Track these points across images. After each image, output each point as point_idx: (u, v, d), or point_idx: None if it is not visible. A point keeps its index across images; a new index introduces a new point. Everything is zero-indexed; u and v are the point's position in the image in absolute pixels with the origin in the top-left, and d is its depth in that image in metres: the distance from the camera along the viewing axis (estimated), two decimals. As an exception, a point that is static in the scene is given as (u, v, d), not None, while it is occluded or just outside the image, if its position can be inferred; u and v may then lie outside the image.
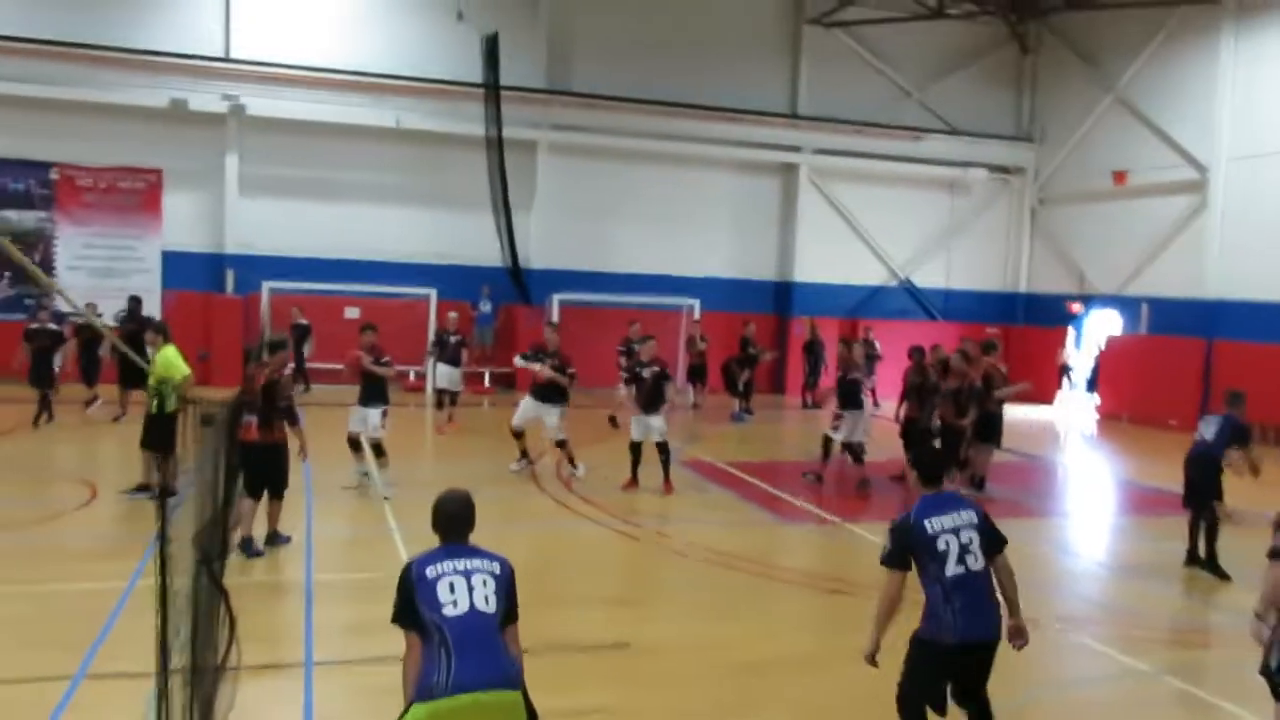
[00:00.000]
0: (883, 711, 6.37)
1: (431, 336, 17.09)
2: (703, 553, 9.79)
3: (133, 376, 14.17)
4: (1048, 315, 25.19)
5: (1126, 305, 23.21)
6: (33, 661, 6.35)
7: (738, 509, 12.11)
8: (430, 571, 4.18)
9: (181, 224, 20.93)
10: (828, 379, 20.18)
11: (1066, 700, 6.73)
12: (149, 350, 11.21)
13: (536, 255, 22.61)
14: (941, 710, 5.19)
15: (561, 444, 12.87)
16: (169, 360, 10.45)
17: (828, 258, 24.67)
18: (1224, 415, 9.67)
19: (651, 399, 12.60)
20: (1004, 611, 5.13)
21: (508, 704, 4.07)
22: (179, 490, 5.12)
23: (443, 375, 16.91)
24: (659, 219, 23.59)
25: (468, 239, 22.02)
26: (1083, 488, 15.75)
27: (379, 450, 11.61)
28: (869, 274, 25.52)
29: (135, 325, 14.96)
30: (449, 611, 4.06)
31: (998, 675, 7.22)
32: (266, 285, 20.38)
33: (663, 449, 12.54)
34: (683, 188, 23.82)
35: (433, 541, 4.47)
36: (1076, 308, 24.53)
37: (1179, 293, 21.54)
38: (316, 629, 7.26)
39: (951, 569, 4.96)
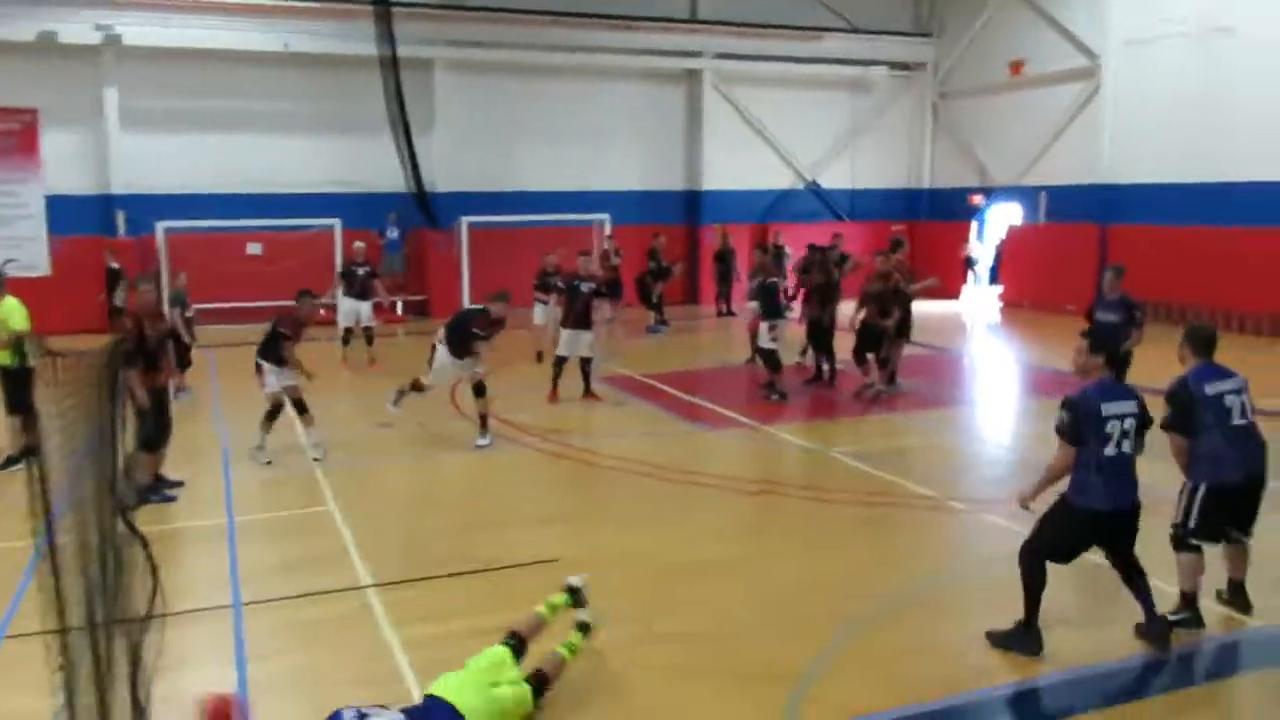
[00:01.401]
0: (796, 601, 6.66)
1: (339, 269, 16.46)
2: (627, 465, 9.93)
3: None
4: (951, 210, 25.68)
5: (1025, 195, 23.76)
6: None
7: (659, 419, 12.27)
8: None
9: (64, 166, 19.85)
10: (740, 286, 20.39)
11: (983, 578, 7.06)
12: None
13: (442, 178, 22.13)
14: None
15: (588, 362, 12.89)
16: (7, 312, 9.60)
17: (735, 164, 24.65)
18: (1119, 298, 9.97)
19: (585, 315, 12.68)
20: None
21: None
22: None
23: (351, 311, 15.97)
24: (565, 135, 23.22)
25: (370, 165, 21.39)
26: (988, 375, 16.31)
27: (302, 407, 10.48)
28: (776, 178, 25.61)
29: None
30: None
31: (920, 557, 7.57)
32: (161, 225, 19.57)
33: (586, 362, 12.81)
34: (587, 101, 23.44)
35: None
36: (978, 200, 25.05)
37: (1075, 179, 22.11)
38: (242, 570, 7.21)
39: (1110, 450, 5.51)
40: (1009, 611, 5.80)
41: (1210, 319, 19.21)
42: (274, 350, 10.28)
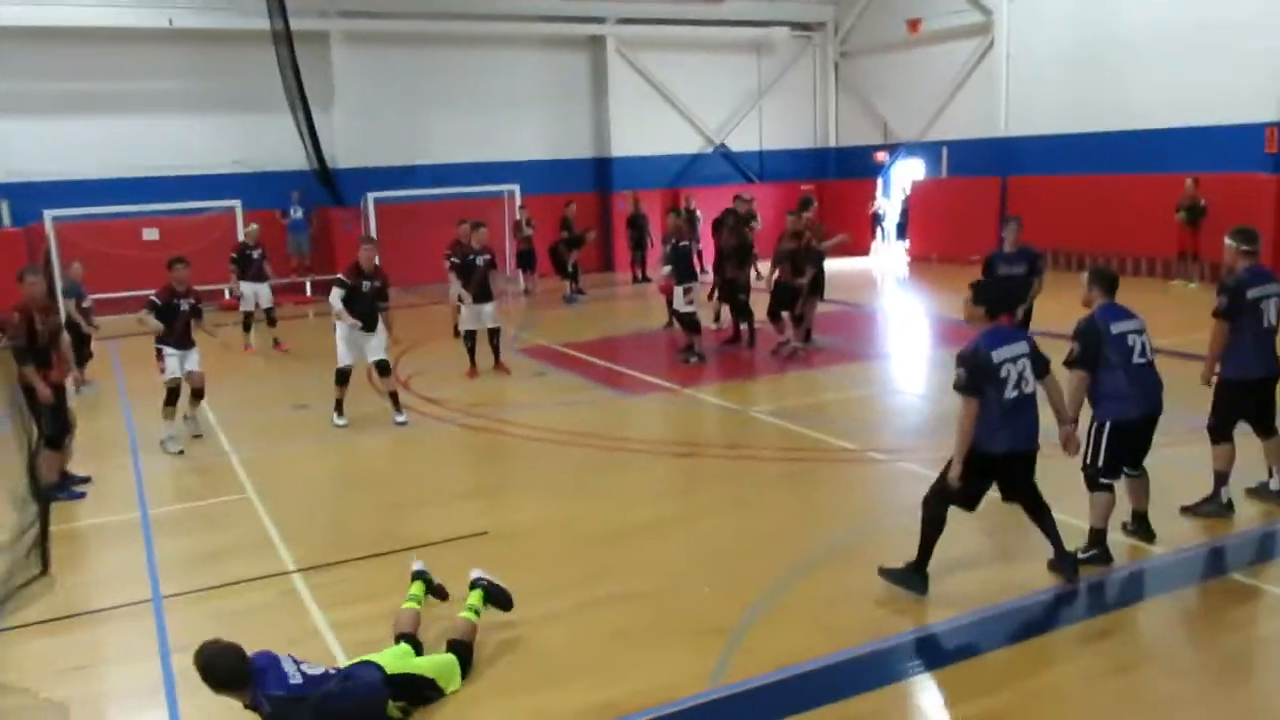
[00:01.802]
0: (727, 558, 6.76)
1: (233, 254, 15.64)
2: (550, 435, 9.91)
3: None
4: (857, 168, 26.06)
5: (928, 150, 24.23)
6: None
7: (580, 388, 12.25)
8: None
9: (-63, 154, 18.88)
10: (654, 251, 20.40)
11: (901, 525, 7.23)
12: None
13: (344, 154, 21.60)
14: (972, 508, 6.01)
15: (495, 333, 12.75)
16: None
17: (643, 130, 24.58)
18: (1020, 249, 10.18)
19: (484, 287, 12.55)
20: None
21: None
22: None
23: (250, 295, 15.34)
24: (470, 105, 22.84)
25: (269, 144, 20.76)
26: (900, 328, 16.67)
27: (199, 396, 10.40)
28: (685, 143, 25.62)
29: None
30: None
31: (843, 508, 7.73)
32: (49, 214, 18.72)
33: (495, 333, 12.74)
34: (491, 70, 23.07)
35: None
36: (882, 157, 25.46)
37: (974, 134, 22.61)
38: (160, 563, 7.02)
39: (1009, 393, 5.66)
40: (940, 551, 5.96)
41: (1107, 263, 19.90)
42: (171, 330, 9.97)
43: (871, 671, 5.25)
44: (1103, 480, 6.23)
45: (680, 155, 25.50)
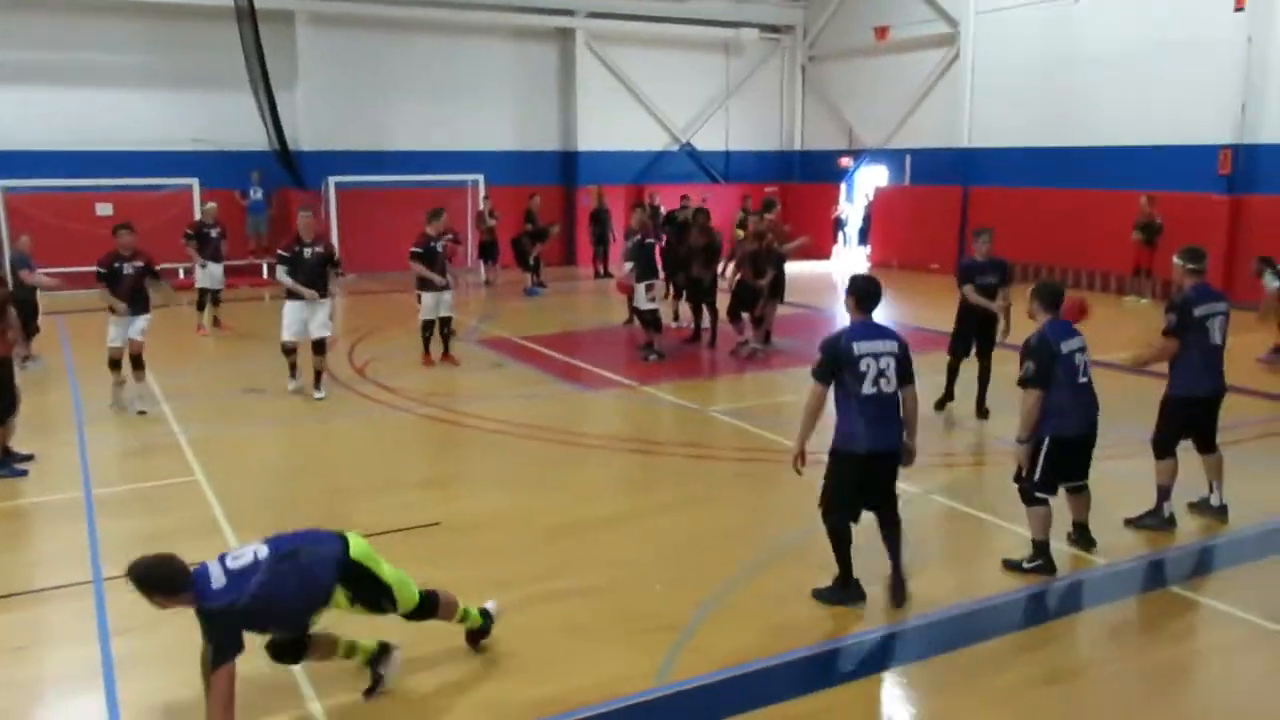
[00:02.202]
0: (680, 555, 6.79)
1: (189, 231, 15.39)
2: (507, 427, 9.87)
3: None
4: (821, 172, 26.25)
5: (892, 158, 24.47)
6: None
7: (538, 382, 12.22)
8: None
9: (-116, 119, 18.38)
10: (616, 246, 20.40)
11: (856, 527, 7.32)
12: None
13: (307, 136, 21.35)
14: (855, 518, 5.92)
15: (448, 321, 12.64)
16: None
17: (610, 125, 24.56)
18: (992, 259, 10.21)
19: (443, 273, 12.47)
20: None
21: None
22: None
23: (205, 275, 15.09)
24: (437, 93, 22.68)
25: (229, 123, 20.46)
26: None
27: (138, 364, 10.41)
28: (651, 140, 25.65)
29: None
30: None
31: (783, 509, 7.77)
32: (0, 184, 18.33)
33: (446, 322, 12.65)
34: (459, 58, 22.93)
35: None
36: (846, 162, 25.66)
37: (938, 143, 22.87)
38: (103, 544, 6.89)
39: (868, 388, 5.59)
40: (879, 553, 6.01)
41: (1062, 277, 20.26)
42: (116, 295, 10.14)
43: (816, 673, 5.30)
44: (1038, 495, 6.28)
45: (646, 152, 25.52)
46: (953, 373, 10.26)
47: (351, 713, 4.80)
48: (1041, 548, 6.30)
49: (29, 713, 4.86)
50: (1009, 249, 18.45)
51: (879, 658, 5.54)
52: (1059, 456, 6.24)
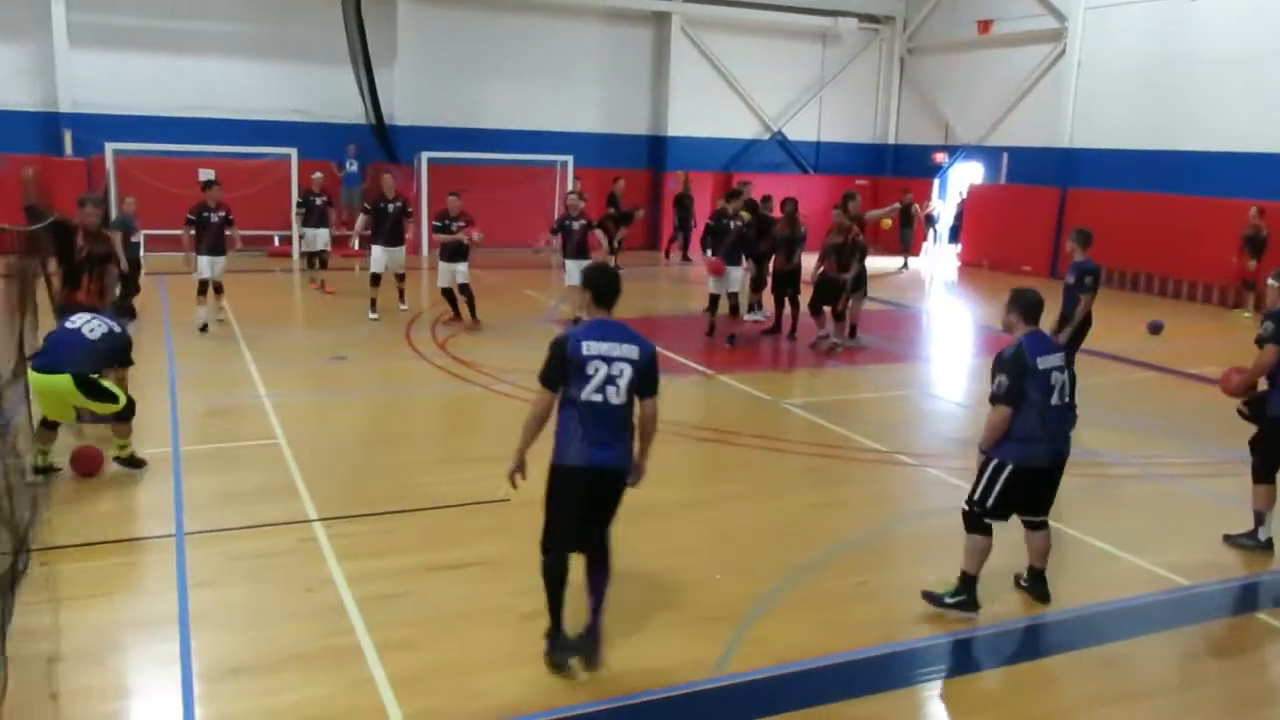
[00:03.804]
0: (742, 546, 6.75)
1: (295, 199, 16.51)
2: (580, 408, 9.91)
3: None
4: (914, 167, 25.73)
5: (988, 155, 23.86)
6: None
7: (615, 365, 12.22)
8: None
9: (5, 79, 19.22)
10: (697, 232, 20.28)
11: (921, 529, 7.20)
12: None
13: (402, 112, 21.71)
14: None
15: (465, 288, 13.87)
16: None
17: (701, 111, 24.44)
18: (1078, 261, 9.82)
19: (457, 247, 13.62)
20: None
21: None
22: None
23: (311, 238, 16.61)
24: (530, 73, 22.83)
25: (329, 95, 20.93)
26: (944, 333, 16.47)
27: (219, 289, 12.91)
28: (742, 128, 25.45)
29: None
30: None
31: (850, 507, 7.67)
32: (110, 146, 19.03)
33: (464, 289, 13.81)
34: (554, 39, 23.05)
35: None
36: (941, 158, 25.10)
37: (1037, 142, 22.21)
38: (186, 500, 7.13)
39: (591, 394, 4.78)
40: (944, 563, 5.90)
41: (1164, 287, 19.58)
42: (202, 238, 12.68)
43: (875, 675, 5.22)
44: (985, 522, 5.70)
45: (736, 140, 25.34)
46: None
47: (410, 678, 4.87)
48: (969, 582, 5.69)
49: (105, 657, 5.05)
50: (1107, 255, 17.94)
51: (940, 664, 5.43)
52: (1019, 488, 5.63)
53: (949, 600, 5.70)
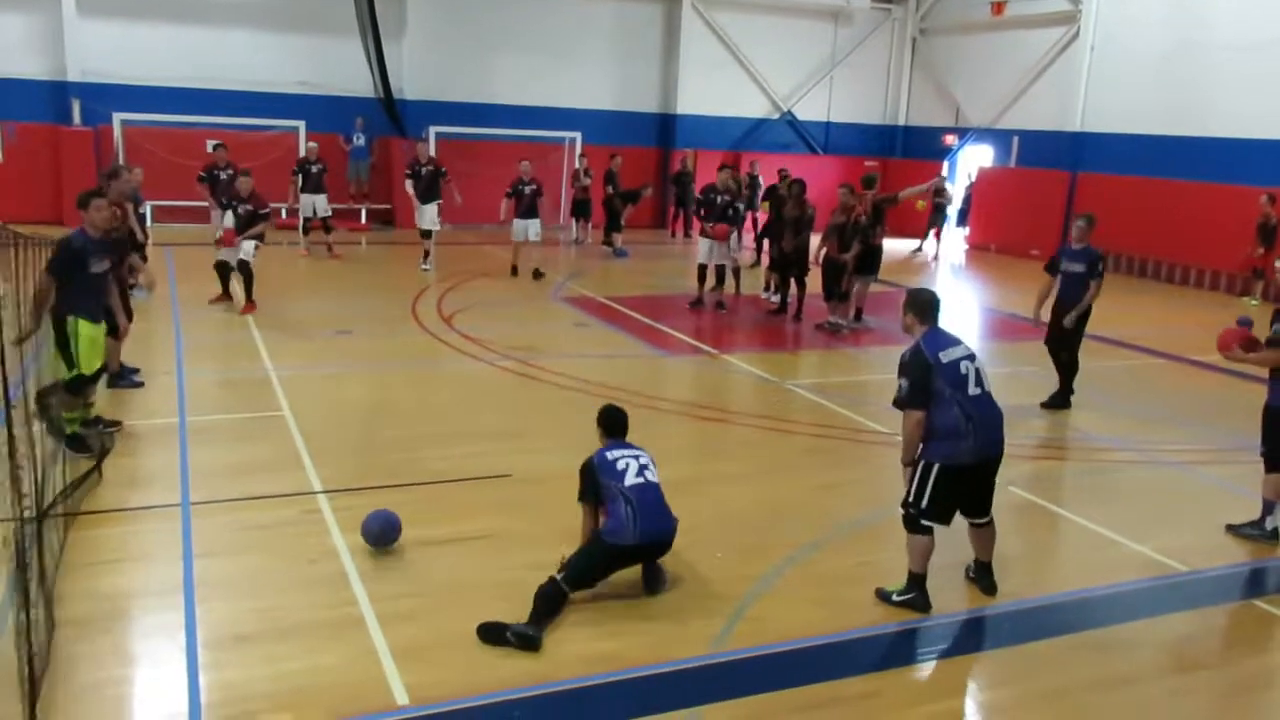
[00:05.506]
0: (744, 525, 6.78)
1: (294, 168, 16.85)
2: (584, 385, 9.95)
3: None
4: (924, 148, 25.61)
5: (998, 138, 23.73)
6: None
7: (618, 342, 12.27)
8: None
9: (14, 47, 19.18)
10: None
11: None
12: None
13: (411, 86, 21.65)
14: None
15: (427, 235, 15.71)
16: None
17: (711, 89, 24.32)
18: (1084, 248, 9.80)
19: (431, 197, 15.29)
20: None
21: None
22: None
23: (308, 204, 16.99)
24: (539, 49, 22.73)
25: (337, 68, 20.87)
26: (950, 316, 16.40)
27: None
28: (752, 106, 25.33)
29: None
30: None
31: (852, 489, 7.70)
32: (118, 117, 19.03)
33: (427, 234, 15.76)
34: (564, 16, 22.92)
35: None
36: (951, 140, 24.98)
37: (1048, 125, 22.09)
38: (192, 470, 7.19)
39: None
40: (945, 545, 5.90)
41: (1171, 273, 19.52)
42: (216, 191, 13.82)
43: (871, 655, 5.26)
44: (923, 524, 5.57)
45: (745, 119, 25.23)
46: (1053, 360, 10.01)
47: (412, 649, 4.93)
48: (917, 580, 5.62)
49: (110, 624, 5.11)
50: (1116, 240, 17.91)
51: (939, 644, 5.47)
52: (950, 487, 5.47)
53: (897, 599, 5.64)
